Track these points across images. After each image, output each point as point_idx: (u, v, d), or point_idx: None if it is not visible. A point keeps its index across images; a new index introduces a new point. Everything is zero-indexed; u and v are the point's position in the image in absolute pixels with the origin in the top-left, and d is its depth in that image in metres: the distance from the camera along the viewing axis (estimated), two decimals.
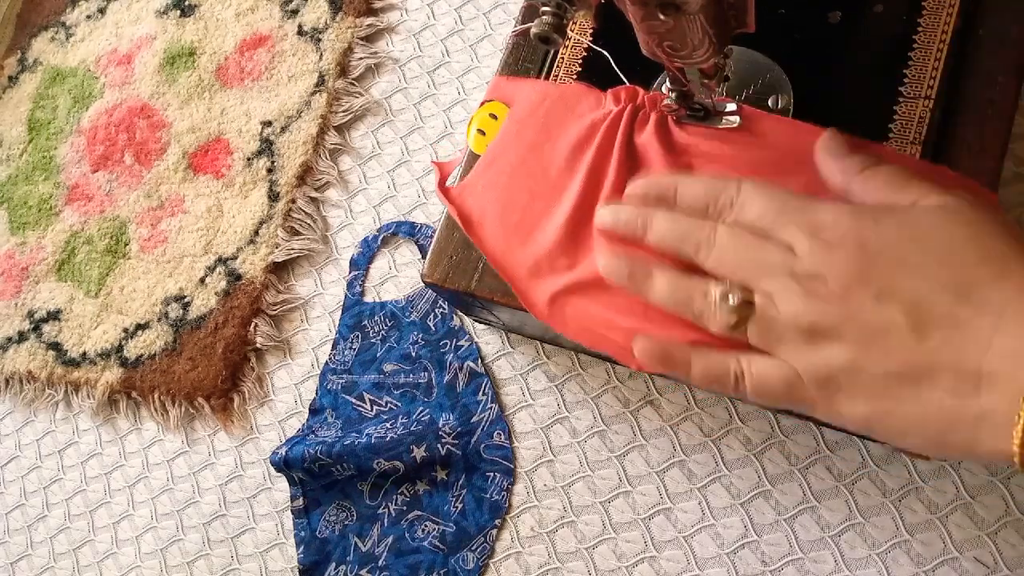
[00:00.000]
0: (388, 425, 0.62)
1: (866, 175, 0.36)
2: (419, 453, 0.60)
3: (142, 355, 0.75)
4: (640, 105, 0.46)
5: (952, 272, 0.31)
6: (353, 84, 0.77)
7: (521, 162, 0.48)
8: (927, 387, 0.30)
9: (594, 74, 0.50)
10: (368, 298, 0.69)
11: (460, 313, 0.64)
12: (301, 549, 0.63)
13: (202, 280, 0.75)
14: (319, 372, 0.68)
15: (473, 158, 0.51)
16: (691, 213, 0.38)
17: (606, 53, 0.49)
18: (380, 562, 0.61)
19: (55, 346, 0.79)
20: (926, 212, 0.33)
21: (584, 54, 0.51)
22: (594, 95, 0.48)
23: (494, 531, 0.59)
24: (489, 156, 0.49)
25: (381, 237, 0.70)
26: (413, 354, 0.65)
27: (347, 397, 0.66)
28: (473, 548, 0.59)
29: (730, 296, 0.35)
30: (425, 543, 0.60)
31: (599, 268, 0.42)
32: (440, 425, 0.60)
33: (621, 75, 0.48)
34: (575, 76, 0.50)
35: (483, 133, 0.51)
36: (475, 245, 0.47)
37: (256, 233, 0.74)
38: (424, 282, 0.51)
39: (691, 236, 0.37)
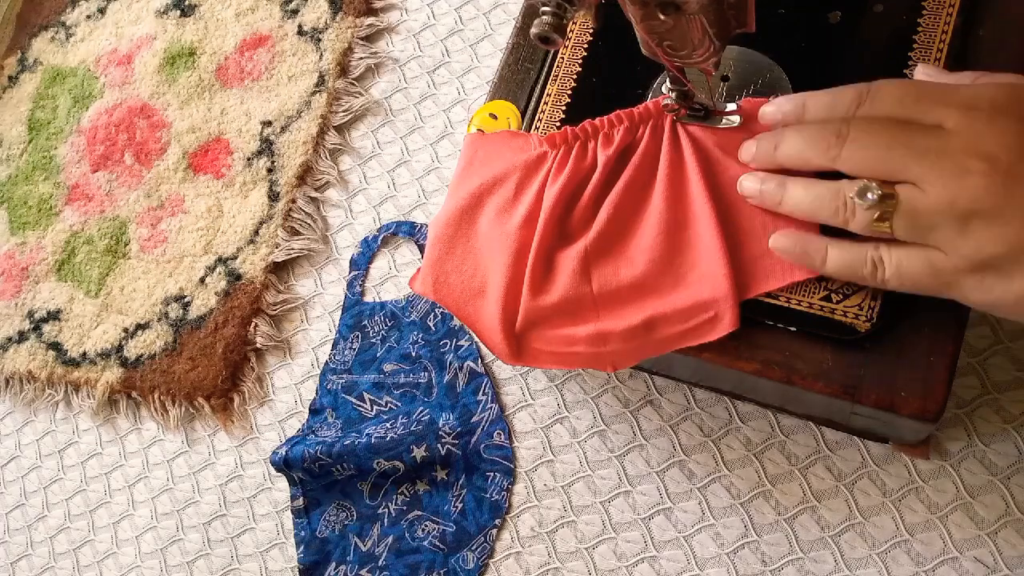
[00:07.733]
0: (388, 425, 0.62)
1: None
2: (419, 453, 0.60)
3: (142, 355, 0.75)
4: (581, 137, 0.46)
5: None
6: (353, 84, 0.77)
7: (465, 227, 0.48)
8: None
9: (594, 74, 0.50)
10: (368, 298, 0.69)
11: None
12: (301, 549, 0.63)
13: (202, 280, 0.75)
14: (319, 372, 0.68)
15: None
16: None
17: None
18: (380, 562, 0.61)
19: (55, 346, 0.79)
20: None
21: (584, 53, 0.51)
22: (521, 138, 0.48)
23: (494, 531, 0.59)
24: (434, 231, 0.49)
25: (381, 237, 0.70)
26: (413, 354, 0.65)
27: (347, 397, 0.66)
28: (473, 548, 0.59)
29: (869, 192, 0.32)
30: (425, 543, 0.60)
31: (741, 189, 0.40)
32: (440, 425, 0.60)
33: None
34: (575, 77, 0.50)
35: (483, 132, 0.51)
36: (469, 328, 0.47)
37: (256, 233, 0.74)
38: None
39: (820, 139, 0.35)
